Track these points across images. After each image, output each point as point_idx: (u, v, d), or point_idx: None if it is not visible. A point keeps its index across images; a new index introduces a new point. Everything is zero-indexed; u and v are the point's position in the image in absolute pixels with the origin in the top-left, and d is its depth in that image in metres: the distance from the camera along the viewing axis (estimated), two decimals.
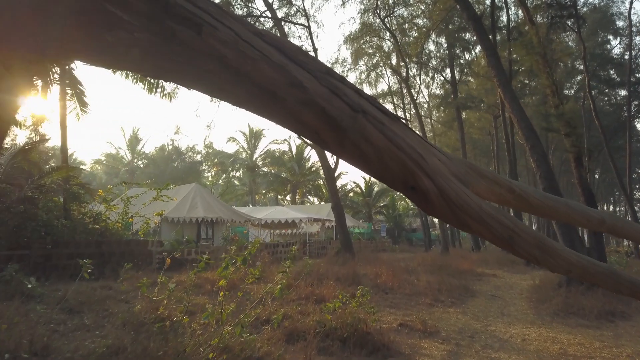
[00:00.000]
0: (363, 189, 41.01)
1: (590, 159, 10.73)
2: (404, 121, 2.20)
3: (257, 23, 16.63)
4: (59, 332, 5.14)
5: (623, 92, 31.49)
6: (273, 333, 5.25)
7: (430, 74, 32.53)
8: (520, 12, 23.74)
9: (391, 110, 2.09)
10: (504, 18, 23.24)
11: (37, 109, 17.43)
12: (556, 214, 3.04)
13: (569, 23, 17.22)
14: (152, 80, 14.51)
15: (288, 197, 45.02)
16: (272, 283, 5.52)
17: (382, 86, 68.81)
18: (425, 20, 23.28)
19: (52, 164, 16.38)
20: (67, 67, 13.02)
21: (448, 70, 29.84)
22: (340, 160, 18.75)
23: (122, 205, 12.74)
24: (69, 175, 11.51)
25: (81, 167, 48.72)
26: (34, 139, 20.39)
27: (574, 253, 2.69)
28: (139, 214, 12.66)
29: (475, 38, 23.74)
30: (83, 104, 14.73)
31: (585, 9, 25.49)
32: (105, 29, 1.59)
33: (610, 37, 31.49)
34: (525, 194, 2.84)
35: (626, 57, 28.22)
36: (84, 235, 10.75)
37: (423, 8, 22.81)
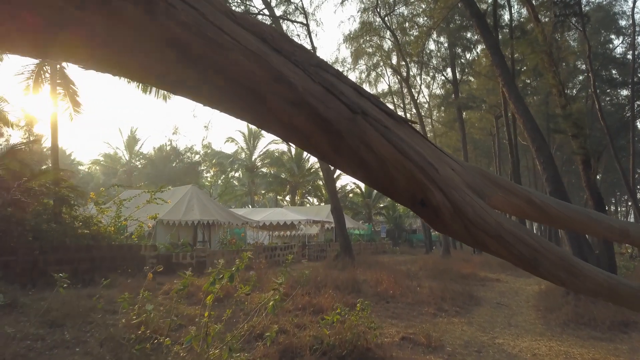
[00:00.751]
0: (363, 189, 40.67)
1: (598, 160, 10.37)
2: (412, 124, 1.82)
3: None
4: (35, 350, 4.77)
5: (625, 92, 31.13)
6: (266, 350, 4.89)
7: (431, 74, 32.18)
8: (522, 11, 23.40)
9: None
10: (506, 17, 22.90)
11: (30, 108, 17.05)
12: (578, 226, 2.67)
13: (573, 21, 16.87)
14: None
15: (287, 198, 44.63)
16: (268, 292, 5.16)
17: (382, 86, 68.55)
18: (426, 19, 22.91)
19: (50, 165, 16.02)
20: (57, 65, 12.66)
21: (449, 70, 29.49)
22: None
23: (115, 208, 12.39)
24: (59, 177, 11.13)
25: (79, 167, 48.36)
26: (29, 139, 20.03)
27: (601, 272, 2.33)
28: (132, 217, 12.33)
29: (477, 37, 23.39)
30: (76, 104, 14.36)
31: (587, 8, 25.14)
32: (22, 6, 1.22)
33: (613, 36, 31.14)
34: (545, 205, 2.45)
35: (629, 56, 27.88)
36: (74, 240, 10.38)
37: (424, 6, 22.45)
